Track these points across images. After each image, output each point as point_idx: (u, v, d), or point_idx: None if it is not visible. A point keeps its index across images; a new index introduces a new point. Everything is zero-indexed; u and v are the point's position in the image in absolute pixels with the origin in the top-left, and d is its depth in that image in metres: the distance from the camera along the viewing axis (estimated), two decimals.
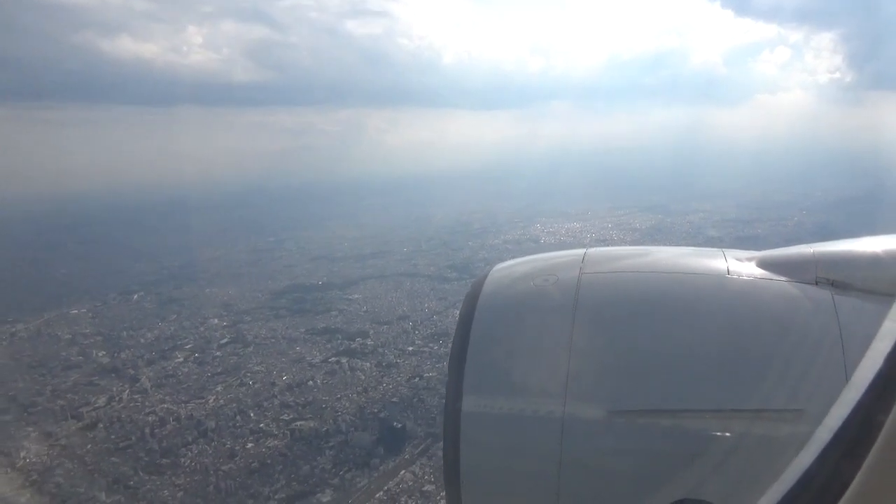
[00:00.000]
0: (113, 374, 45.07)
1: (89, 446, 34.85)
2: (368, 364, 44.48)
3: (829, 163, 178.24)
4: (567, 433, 2.02)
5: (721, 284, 2.33)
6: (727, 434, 2.01)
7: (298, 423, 36.34)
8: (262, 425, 36.17)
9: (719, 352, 2.15)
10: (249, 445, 34.10)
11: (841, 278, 2.28)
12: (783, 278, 2.32)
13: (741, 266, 2.41)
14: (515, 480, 2.15)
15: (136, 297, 66.99)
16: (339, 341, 49.85)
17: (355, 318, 56.20)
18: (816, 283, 2.28)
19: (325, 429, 35.51)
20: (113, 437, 35.72)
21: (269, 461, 32.55)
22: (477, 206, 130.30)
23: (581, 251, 2.61)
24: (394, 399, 38.63)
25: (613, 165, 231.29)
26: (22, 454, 34.12)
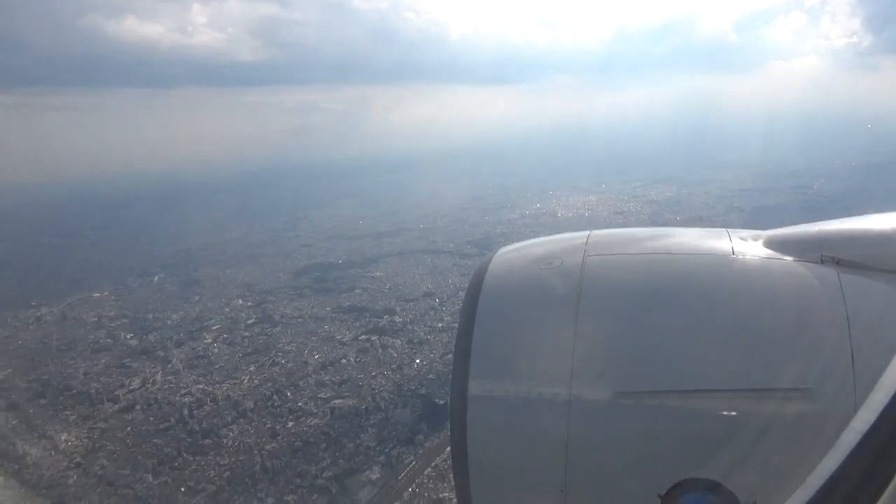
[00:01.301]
0: (143, 356, 44.94)
1: (129, 428, 34.79)
2: (399, 341, 44.18)
3: (846, 129, 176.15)
4: (574, 415, 2.02)
5: (726, 264, 2.33)
6: (734, 413, 2.00)
7: (336, 401, 36.14)
8: (300, 404, 36.00)
9: (725, 332, 2.13)
10: (290, 424, 33.95)
11: (846, 256, 2.28)
12: (788, 257, 2.32)
13: (746, 246, 2.41)
14: (523, 463, 2.14)
15: (156, 279, 66.86)
16: (367, 319, 49.57)
17: (380, 295, 55.86)
18: (822, 262, 2.28)
19: (364, 406, 35.31)
20: (152, 418, 35.63)
21: (311, 440, 32.41)
22: (488, 181, 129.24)
23: (584, 233, 2.59)
24: (430, 376, 38.38)
25: (625, 138, 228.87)
26: (63, 437, 34.10)
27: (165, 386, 39.71)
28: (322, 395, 37.02)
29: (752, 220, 70.62)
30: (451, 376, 2.23)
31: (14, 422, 36.05)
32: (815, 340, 2.07)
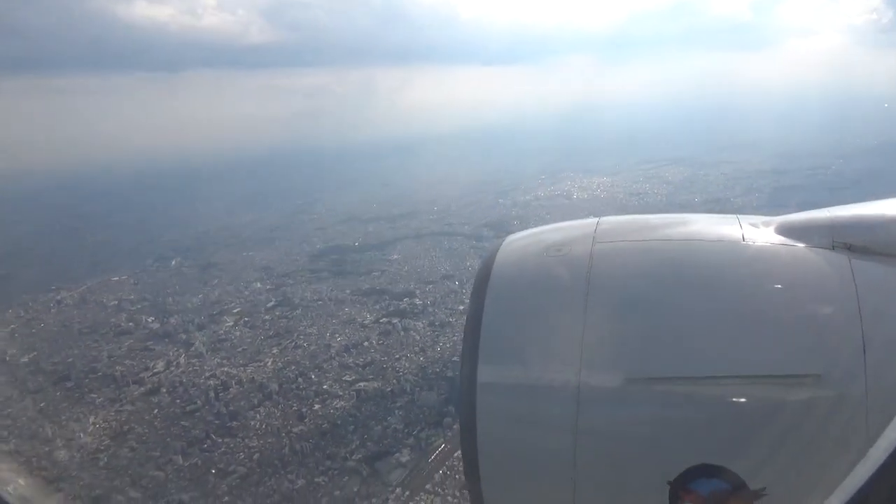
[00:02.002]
0: (166, 339, 45.07)
1: (156, 411, 34.92)
2: (421, 324, 44.02)
3: (865, 108, 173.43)
4: (583, 401, 2.02)
5: (736, 251, 2.33)
6: (744, 399, 1.99)
7: (362, 383, 36.08)
8: (325, 387, 35.97)
9: (734, 319, 2.12)
10: (317, 407, 33.93)
11: (858, 242, 2.26)
12: (799, 244, 2.31)
13: (756, 232, 2.40)
14: (533, 449, 2.14)
15: (173, 262, 66.96)
16: (387, 302, 49.42)
17: (398, 278, 55.68)
18: (833, 248, 2.26)
19: (389, 389, 35.25)
20: (178, 401, 35.73)
21: (339, 422, 32.40)
22: (500, 163, 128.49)
23: (593, 220, 2.58)
24: (454, 358, 38.15)
25: (638, 118, 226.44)
26: (91, 420, 34.31)
27: (190, 369, 39.80)
28: (347, 377, 36.98)
29: (770, 201, 69.79)
30: (460, 363, 2.25)
31: (41, 404, 36.39)
32: (826, 327, 2.07)
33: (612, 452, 2.09)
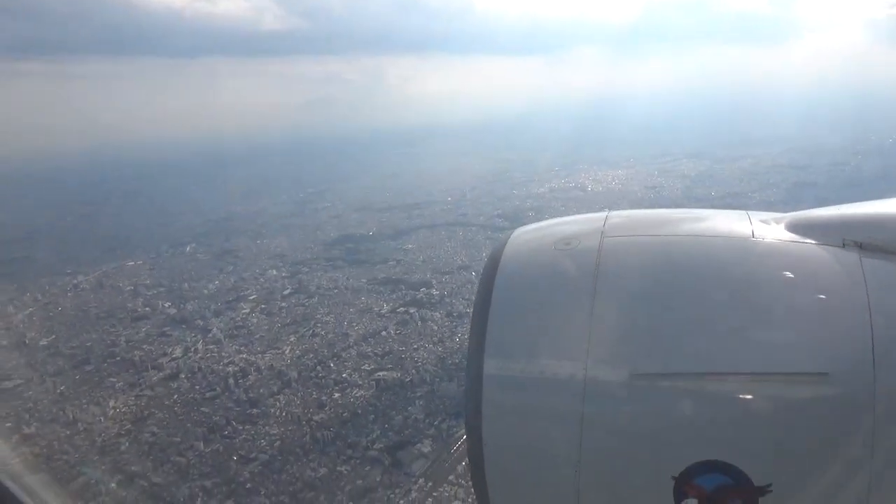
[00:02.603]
0: (183, 325, 45.10)
1: (175, 396, 34.92)
2: (438, 314, 43.81)
3: (885, 105, 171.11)
4: (589, 396, 2.01)
5: (745, 247, 2.32)
6: (750, 396, 1.97)
7: (381, 373, 35.94)
8: (344, 375, 35.86)
9: (743, 315, 2.10)
10: (336, 395, 33.82)
11: (869, 240, 2.25)
12: (809, 241, 2.30)
13: (766, 229, 2.40)
14: (537, 442, 2.12)
15: (188, 248, 67.08)
16: (403, 291, 49.27)
17: (414, 267, 55.49)
18: (843, 246, 2.25)
19: (408, 379, 35.09)
20: (197, 387, 35.72)
21: (359, 411, 32.27)
22: (513, 154, 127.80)
23: (602, 214, 2.57)
24: None
25: (653, 112, 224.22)
26: (111, 404, 34.37)
27: (208, 355, 39.78)
28: (365, 367, 36.84)
29: (787, 197, 68.99)
30: (466, 356, 2.24)
31: (62, 388, 36.53)
32: (835, 325, 2.04)
33: (618, 447, 2.08)
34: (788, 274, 2.22)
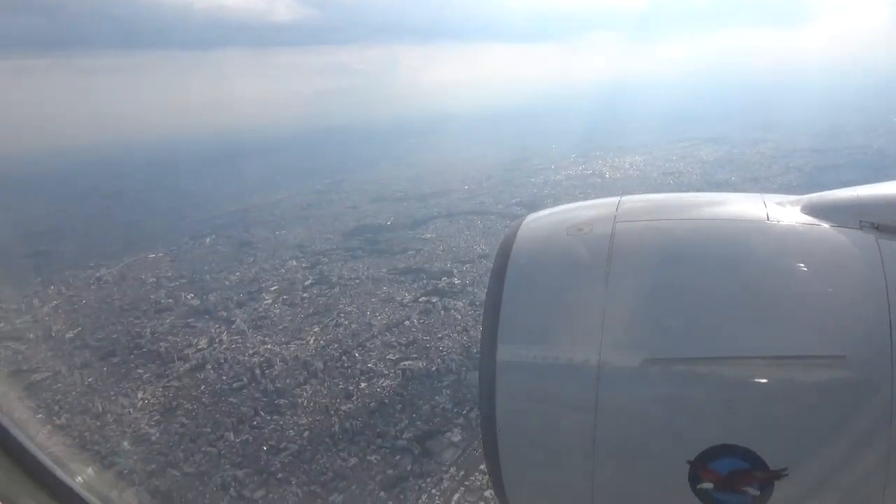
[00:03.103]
0: (206, 316, 45.29)
1: (203, 387, 35.05)
2: (461, 303, 43.60)
3: None
4: (603, 381, 2.02)
5: (760, 230, 2.30)
6: (766, 380, 1.98)
7: (406, 362, 35.85)
8: (370, 365, 35.81)
9: (758, 298, 2.09)
10: (363, 385, 33.78)
11: (886, 222, 2.23)
12: (825, 223, 2.28)
13: (781, 211, 2.37)
14: (551, 428, 2.13)
15: (208, 240, 67.34)
16: (424, 281, 49.08)
17: (434, 257, 55.24)
18: (860, 228, 2.23)
19: (434, 368, 34.94)
20: (224, 377, 35.85)
21: (386, 401, 32.22)
22: (528, 142, 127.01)
23: (615, 199, 2.55)
24: None
25: (668, 96, 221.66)
26: (139, 395, 34.58)
27: (233, 346, 39.91)
28: (390, 356, 36.76)
29: (810, 180, 67.86)
30: (479, 342, 2.24)
31: (90, 379, 36.79)
32: (852, 308, 2.02)
33: (632, 432, 2.06)
34: (804, 256, 2.20)
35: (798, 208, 2.39)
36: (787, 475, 1.91)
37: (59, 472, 2.25)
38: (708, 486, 1.97)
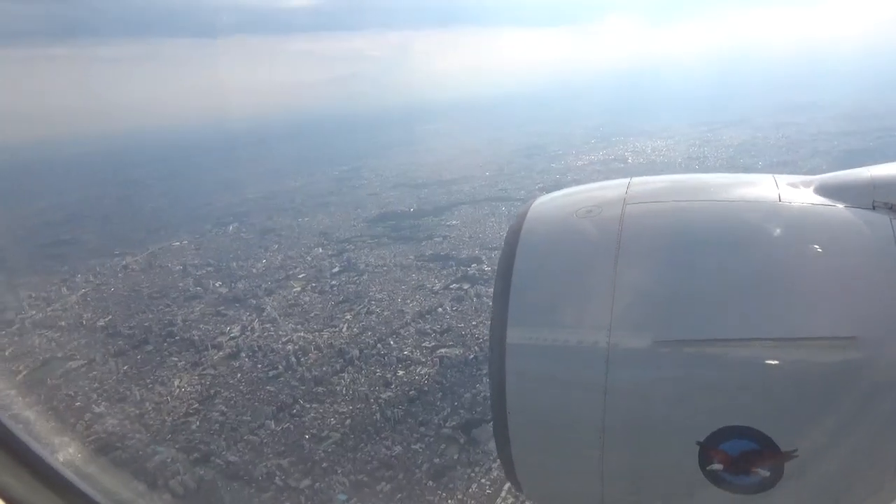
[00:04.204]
0: (236, 304, 45.07)
1: (239, 375, 34.85)
2: (493, 290, 43.03)
3: None
4: (612, 363, 2.02)
5: (772, 211, 2.27)
6: (777, 362, 1.97)
7: (442, 350, 35.43)
8: (406, 353, 35.42)
9: (769, 279, 2.08)
10: (401, 373, 33.42)
11: None
12: (839, 203, 2.24)
13: (793, 192, 2.34)
14: (561, 410, 2.14)
15: (230, 228, 67.13)
16: (453, 268, 48.53)
17: (461, 244, 54.67)
18: (874, 208, 2.21)
19: (472, 356, 34.53)
20: (259, 365, 35.62)
21: (426, 389, 31.86)
22: (545, 128, 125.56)
23: (625, 181, 2.55)
24: None
25: (687, 80, 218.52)
26: (176, 383, 34.44)
27: (265, 334, 39.67)
28: (426, 344, 36.35)
29: (839, 165, 63.13)
30: (489, 325, 2.23)
31: (125, 367, 36.73)
32: (864, 289, 2.01)
33: (642, 414, 2.05)
34: (816, 237, 2.17)
35: (811, 189, 2.34)
36: (797, 456, 1.89)
37: (62, 471, 2.16)
38: (718, 467, 1.96)
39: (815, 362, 1.96)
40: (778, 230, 2.22)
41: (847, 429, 1.91)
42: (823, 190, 2.31)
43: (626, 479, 2.17)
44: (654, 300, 2.12)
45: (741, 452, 1.93)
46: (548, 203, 2.64)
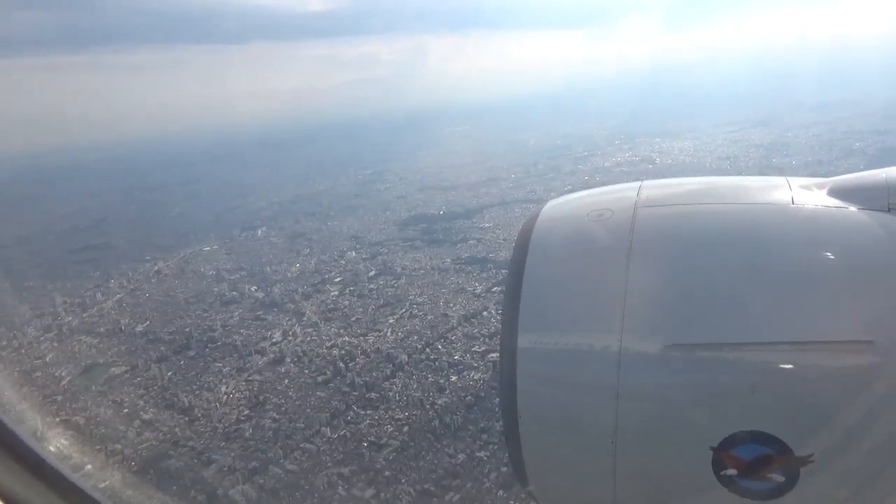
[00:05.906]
0: (275, 309, 44.43)
1: (286, 381, 34.12)
2: None
3: None
4: (624, 367, 1.99)
5: (785, 214, 2.25)
6: (791, 366, 1.94)
7: (493, 354, 34.39)
8: (456, 357, 34.55)
9: (782, 283, 2.04)
10: (454, 378, 32.52)
11: None
12: (853, 206, 2.20)
13: (807, 195, 2.31)
14: (573, 414, 2.12)
15: (259, 232, 66.73)
16: (492, 271, 47.57)
17: (496, 246, 53.74)
18: (889, 210, 2.17)
19: None
20: (306, 371, 34.85)
21: (482, 394, 30.93)
22: (568, 129, 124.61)
23: (636, 184, 2.53)
24: None
25: (712, 80, 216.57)
26: (223, 389, 33.76)
27: (308, 339, 38.93)
28: (476, 348, 35.44)
29: (876, 164, 63.02)
30: (500, 329, 2.22)
31: (169, 373, 36.11)
32: (880, 291, 1.98)
33: (655, 418, 2.03)
34: (830, 240, 2.14)
35: (824, 191, 2.30)
36: (813, 462, 1.85)
37: (62, 471, 2.09)
38: (732, 472, 1.91)
39: (829, 366, 1.92)
40: (790, 233, 2.18)
41: (863, 433, 1.85)
42: (837, 192, 2.27)
43: (637, 483, 2.11)
44: (665, 304, 2.07)
45: (755, 457, 1.89)
46: (559, 206, 2.62)
